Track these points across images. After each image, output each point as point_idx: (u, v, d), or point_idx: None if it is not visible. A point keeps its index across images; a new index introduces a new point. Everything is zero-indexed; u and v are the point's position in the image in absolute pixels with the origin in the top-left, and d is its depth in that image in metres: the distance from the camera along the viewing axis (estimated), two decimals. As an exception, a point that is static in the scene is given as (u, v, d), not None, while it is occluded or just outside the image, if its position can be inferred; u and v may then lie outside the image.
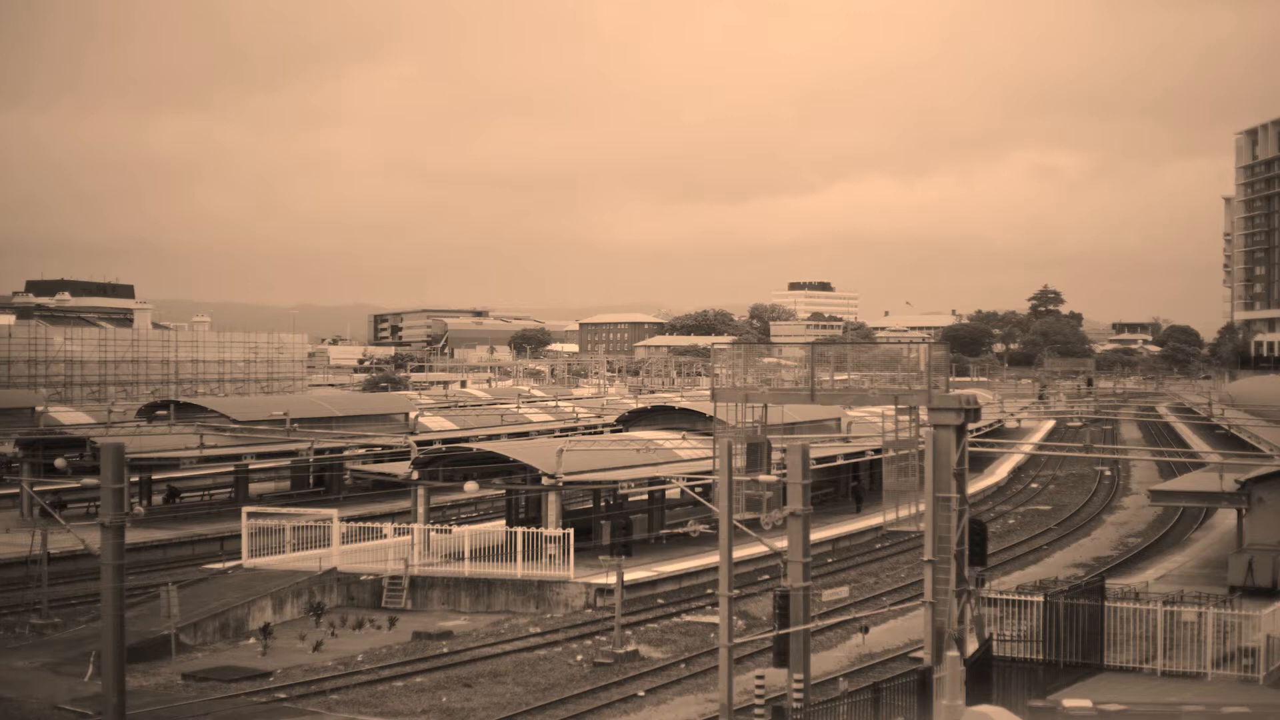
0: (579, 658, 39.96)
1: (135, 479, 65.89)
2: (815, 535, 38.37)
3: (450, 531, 53.14)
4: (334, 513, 51.45)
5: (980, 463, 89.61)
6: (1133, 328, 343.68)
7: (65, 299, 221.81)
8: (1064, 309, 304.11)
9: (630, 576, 46.47)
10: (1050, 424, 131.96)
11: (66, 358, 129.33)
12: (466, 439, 76.03)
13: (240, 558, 49.92)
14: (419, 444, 66.26)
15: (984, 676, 28.31)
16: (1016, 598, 33.73)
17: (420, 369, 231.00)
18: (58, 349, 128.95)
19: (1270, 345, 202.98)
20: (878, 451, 50.76)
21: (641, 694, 35.73)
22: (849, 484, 74.60)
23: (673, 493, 60.27)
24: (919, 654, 31.27)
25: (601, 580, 47.09)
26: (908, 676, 28.73)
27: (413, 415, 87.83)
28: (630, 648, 40.22)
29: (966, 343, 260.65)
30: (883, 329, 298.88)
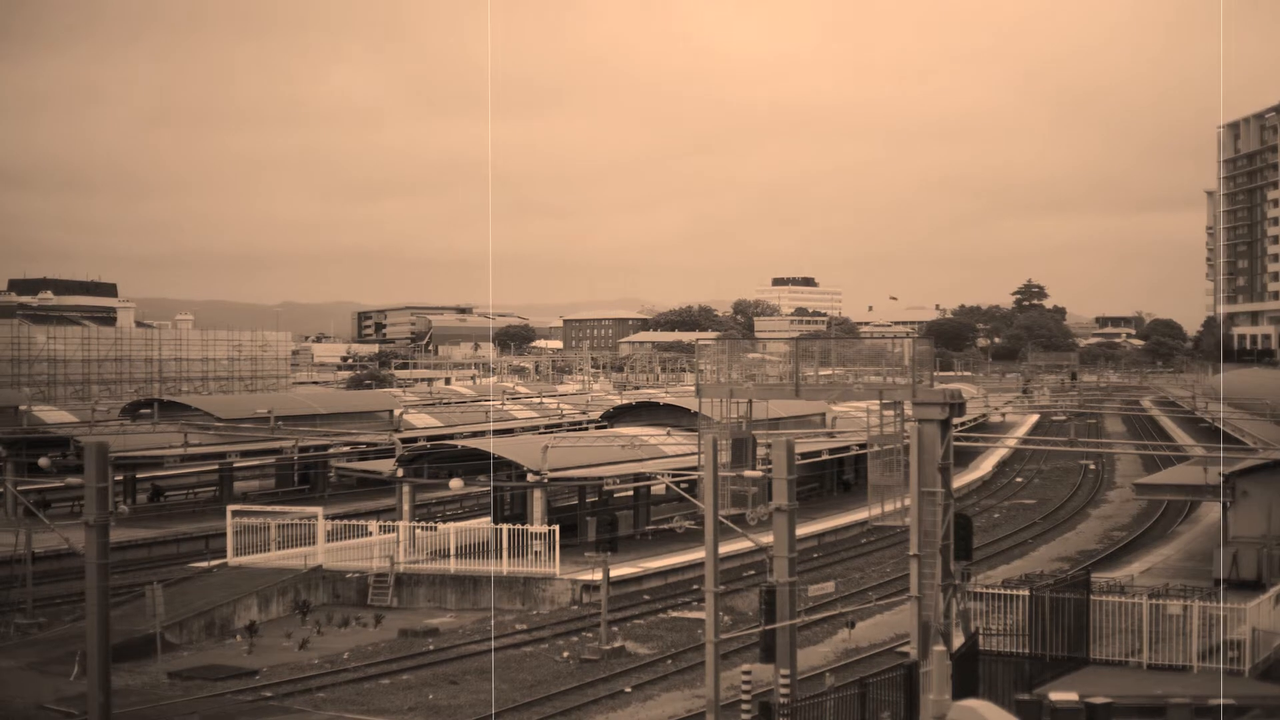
0: (565, 654, 39.95)
1: (119, 478, 65.76)
2: (801, 530, 38.45)
3: (435, 529, 53.08)
4: (319, 510, 51.41)
5: (965, 457, 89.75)
6: (1116, 321, 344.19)
7: (48, 298, 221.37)
8: (1048, 303, 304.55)
9: (616, 573, 46.50)
10: (1034, 418, 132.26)
11: (49, 357, 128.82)
12: (451, 436, 75.99)
13: (225, 556, 49.84)
14: (404, 441, 66.30)
15: (970, 671, 28.32)
16: (1002, 592, 33.73)
17: (404, 366, 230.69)
18: (40, 348, 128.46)
19: (1253, 338, 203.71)
20: (863, 446, 50.79)
21: (628, 690, 35.74)
22: (834, 479, 74.79)
23: (658, 489, 60.26)
24: (905, 648, 31.26)
25: (587, 577, 47.12)
26: (894, 671, 28.69)
27: (397, 413, 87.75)
28: (617, 644, 40.23)
29: (951, 337, 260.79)
30: (867, 324, 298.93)
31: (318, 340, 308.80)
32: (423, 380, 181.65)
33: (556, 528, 49.33)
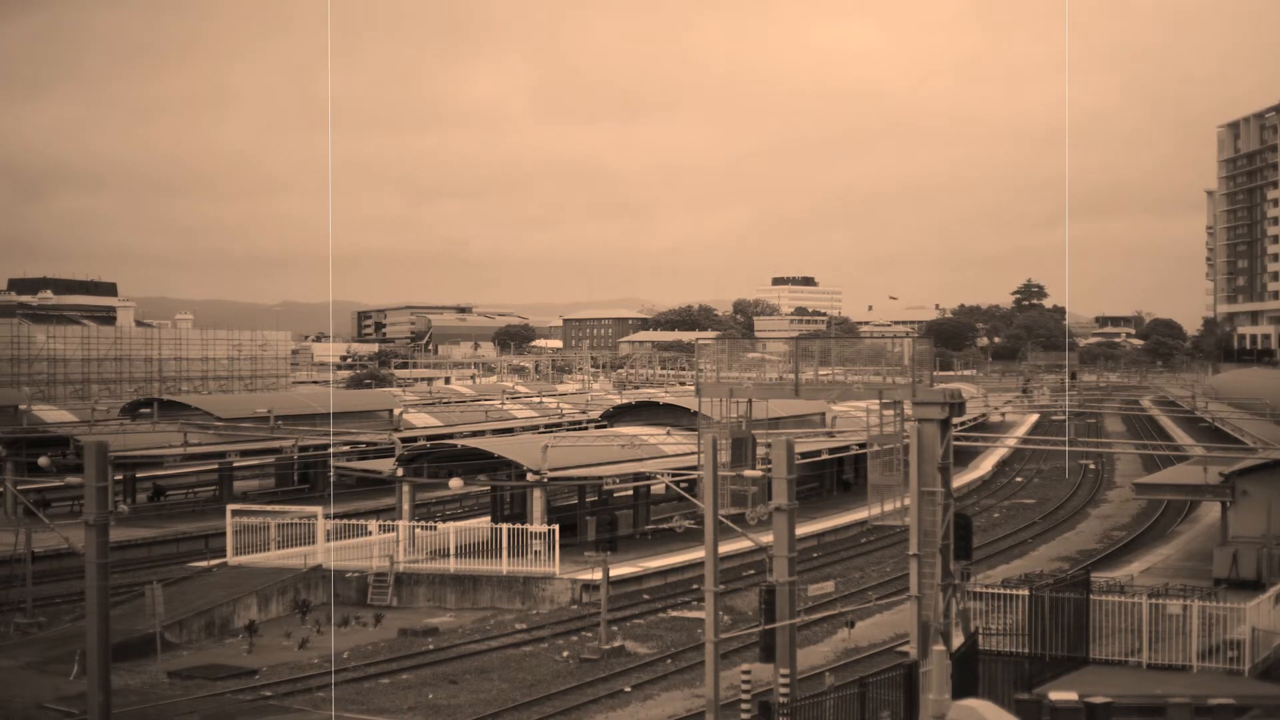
0: (565, 654, 39.95)
1: (119, 477, 65.77)
2: (801, 530, 38.43)
3: (435, 528, 53.06)
4: (319, 510, 51.35)
5: (965, 457, 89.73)
6: (1116, 321, 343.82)
7: (48, 297, 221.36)
8: (1047, 303, 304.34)
9: (616, 572, 46.49)
10: (1034, 418, 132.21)
11: (49, 356, 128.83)
12: (451, 436, 75.97)
13: (225, 556, 49.82)
14: (403, 441, 66.26)
15: (970, 670, 28.31)
16: (1002, 591, 33.73)
17: (404, 366, 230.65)
18: (40, 347, 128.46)
19: (1253, 338, 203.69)
20: (862, 446, 50.77)
21: (628, 690, 35.73)
22: (834, 479, 74.76)
23: (658, 488, 60.26)
24: (905, 648, 31.25)
25: (587, 576, 47.11)
26: (894, 670, 28.66)
27: (397, 412, 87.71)
28: (616, 644, 40.22)
29: (950, 337, 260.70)
30: (866, 323, 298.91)
31: (317, 339, 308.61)
32: (422, 380, 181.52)
33: (556, 527, 49.31)
